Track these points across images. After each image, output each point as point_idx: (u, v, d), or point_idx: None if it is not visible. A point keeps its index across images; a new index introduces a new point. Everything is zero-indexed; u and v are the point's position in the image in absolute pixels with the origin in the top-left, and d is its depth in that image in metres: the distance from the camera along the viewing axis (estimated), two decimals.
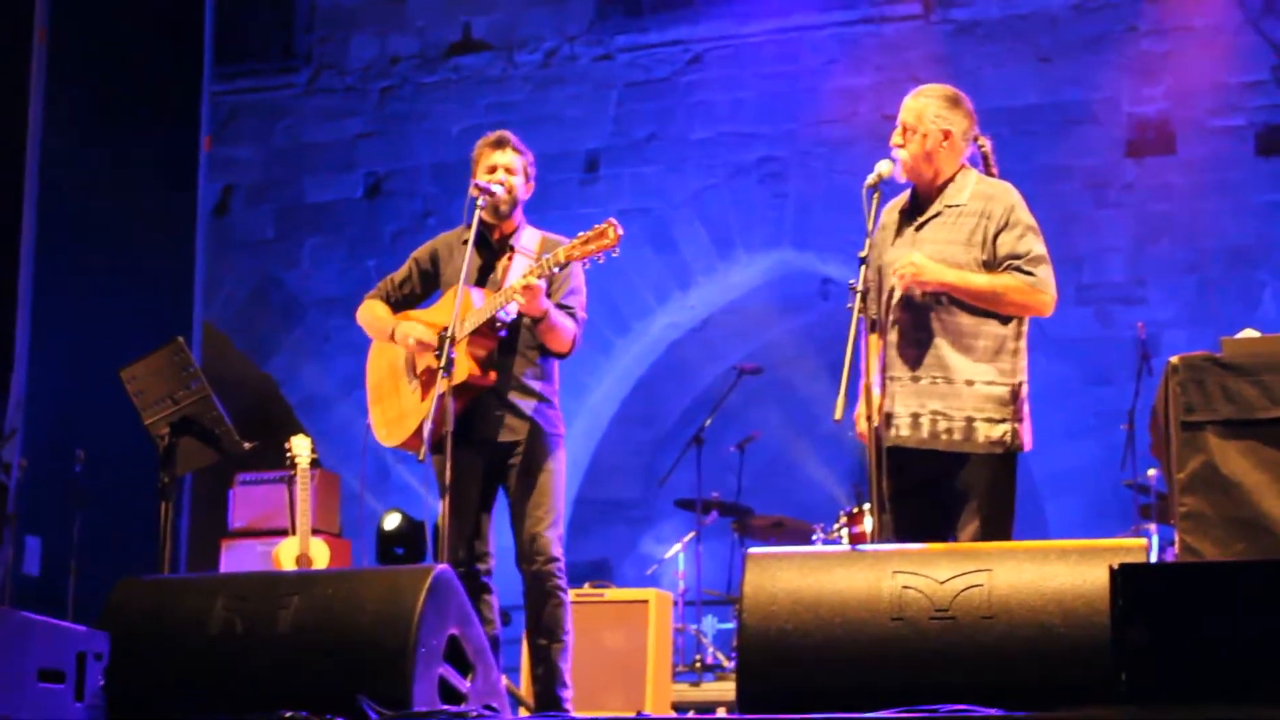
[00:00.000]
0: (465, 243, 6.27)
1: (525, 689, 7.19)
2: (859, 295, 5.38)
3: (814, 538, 10.46)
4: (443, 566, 4.95)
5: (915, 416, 5.52)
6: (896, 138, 5.69)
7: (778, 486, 14.23)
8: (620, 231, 5.91)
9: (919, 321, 5.56)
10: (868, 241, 5.52)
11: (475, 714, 4.88)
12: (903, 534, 5.53)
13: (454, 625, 4.93)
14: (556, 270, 6.04)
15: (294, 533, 9.06)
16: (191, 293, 9.48)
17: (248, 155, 15.17)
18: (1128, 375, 11.24)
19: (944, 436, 5.49)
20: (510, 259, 6.20)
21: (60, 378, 8.77)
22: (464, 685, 4.95)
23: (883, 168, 5.60)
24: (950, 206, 5.64)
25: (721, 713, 9.17)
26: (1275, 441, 5.11)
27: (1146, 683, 3.98)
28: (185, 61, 9.64)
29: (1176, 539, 5.26)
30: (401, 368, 6.31)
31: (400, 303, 6.45)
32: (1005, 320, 5.57)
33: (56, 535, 8.57)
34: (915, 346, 5.56)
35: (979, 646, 4.28)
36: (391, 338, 6.31)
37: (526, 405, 6.14)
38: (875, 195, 5.56)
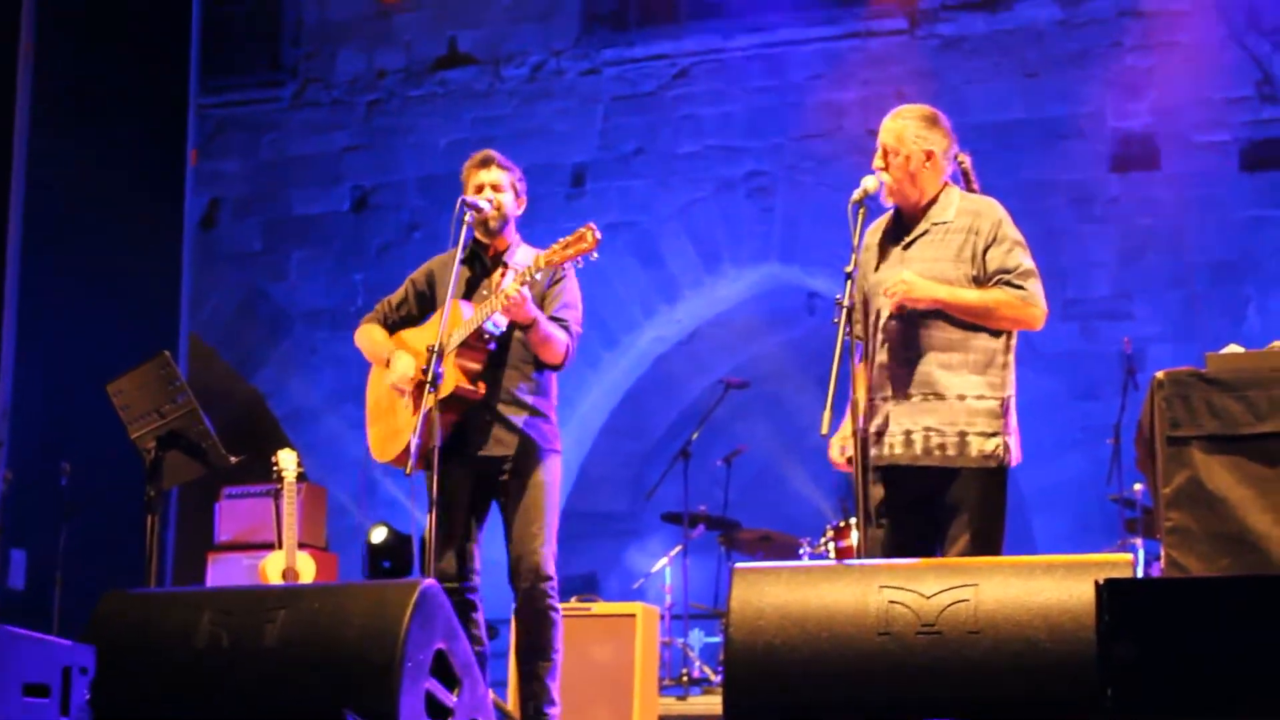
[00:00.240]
0: (460, 263, 6.28)
1: (512, 704, 7.19)
2: (845, 311, 5.38)
3: (801, 552, 10.46)
4: (429, 581, 4.94)
5: (908, 434, 5.53)
6: (878, 160, 5.69)
7: (765, 500, 14.23)
8: (598, 235, 5.90)
9: (908, 339, 5.57)
10: (854, 257, 5.53)
11: None
12: (894, 550, 5.53)
13: (441, 640, 4.93)
14: (539, 277, 6.02)
15: (280, 546, 9.04)
16: (178, 305, 9.47)
17: (234, 168, 15.17)
18: (1113, 390, 11.26)
19: (937, 452, 5.49)
20: (503, 275, 6.18)
21: (46, 390, 8.76)
22: (450, 700, 4.95)
23: (868, 183, 5.61)
24: (937, 224, 5.65)
25: None
26: (1260, 457, 5.12)
27: (1132, 698, 3.99)
28: (172, 75, 9.63)
29: (1162, 554, 5.27)
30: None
31: (397, 325, 6.44)
32: (994, 334, 5.58)
33: (42, 548, 8.56)
34: (905, 365, 5.57)
35: (965, 661, 4.28)
36: (387, 366, 6.30)
37: (518, 419, 6.11)
38: (861, 211, 5.57)
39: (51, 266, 8.86)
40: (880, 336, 5.63)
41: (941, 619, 4.34)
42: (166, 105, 9.59)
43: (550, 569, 6.02)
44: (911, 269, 5.57)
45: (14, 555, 8.66)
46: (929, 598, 4.38)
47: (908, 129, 5.69)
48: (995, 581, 4.38)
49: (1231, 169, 12.54)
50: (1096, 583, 4.13)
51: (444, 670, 4.96)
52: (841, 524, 10.04)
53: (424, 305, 6.40)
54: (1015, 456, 5.58)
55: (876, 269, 5.72)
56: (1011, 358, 5.62)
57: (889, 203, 5.71)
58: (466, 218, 6.14)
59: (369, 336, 6.46)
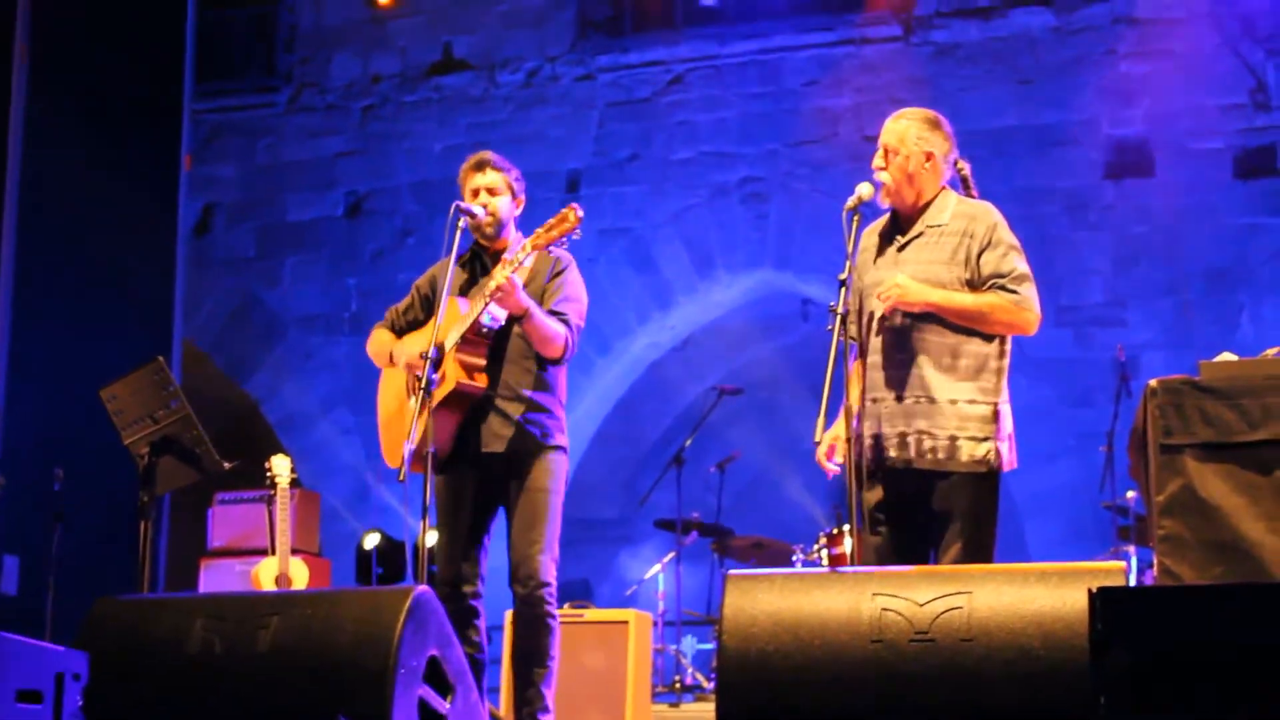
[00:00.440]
0: (460, 265, 6.27)
1: (505, 710, 7.18)
2: (839, 318, 5.38)
3: (794, 559, 10.46)
4: (423, 587, 4.94)
5: (902, 436, 5.53)
6: (878, 160, 5.69)
7: (758, 507, 14.26)
8: (580, 214, 5.88)
9: (901, 343, 5.57)
10: (848, 264, 5.53)
11: None
12: (888, 553, 5.54)
13: (434, 646, 4.93)
14: (527, 263, 5.98)
15: (273, 552, 9.04)
16: (172, 311, 9.45)
17: (229, 174, 15.19)
18: (1107, 397, 11.28)
19: (928, 455, 5.50)
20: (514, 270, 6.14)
21: (39, 396, 8.74)
22: (444, 706, 4.95)
23: (863, 190, 5.60)
24: (932, 226, 5.65)
25: None
26: (1253, 465, 5.12)
27: (1125, 706, 3.99)
28: (166, 80, 9.61)
29: (1155, 562, 5.28)
30: (405, 391, 6.28)
31: (405, 330, 6.42)
32: (988, 339, 5.57)
33: (35, 554, 8.53)
34: (898, 368, 5.57)
35: (958, 669, 4.28)
36: (391, 361, 6.29)
37: (515, 412, 6.07)
38: (855, 218, 5.57)
39: (45, 271, 8.85)
40: (874, 339, 5.64)
41: (935, 626, 4.34)
42: (161, 110, 9.57)
43: (548, 575, 5.97)
44: (905, 271, 5.57)
45: (6, 561, 8.63)
46: (922, 605, 4.38)
47: (910, 130, 5.69)
48: (988, 589, 4.37)
49: (1225, 176, 12.57)
50: (1090, 591, 4.13)
51: (437, 677, 4.95)
52: (835, 531, 10.04)
53: (430, 310, 6.38)
54: (1009, 462, 5.58)
55: (872, 270, 5.72)
56: (1005, 363, 5.62)
57: (886, 204, 5.71)
58: (460, 222, 6.13)
59: (378, 341, 6.45)
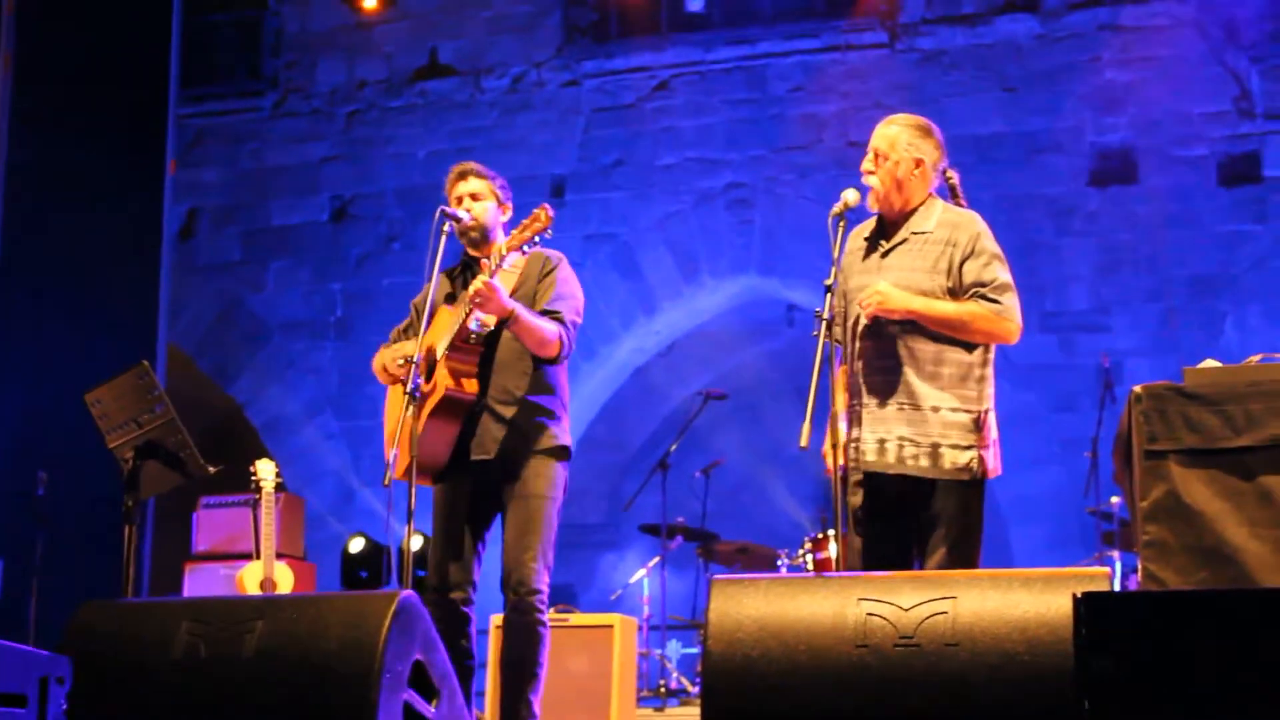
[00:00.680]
0: (450, 275, 6.26)
1: (491, 715, 7.18)
2: (825, 323, 5.39)
3: (779, 563, 10.48)
4: (408, 591, 4.93)
5: (882, 442, 5.53)
6: (867, 164, 5.69)
7: (743, 512, 14.26)
8: (551, 213, 5.87)
9: (884, 349, 5.57)
10: (834, 270, 5.54)
11: None
12: (872, 558, 5.54)
13: (419, 650, 4.92)
14: (507, 266, 5.97)
15: (258, 556, 9.02)
16: (156, 315, 9.43)
17: (214, 178, 15.17)
18: (1091, 403, 11.31)
19: (910, 462, 5.50)
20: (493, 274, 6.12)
21: (24, 400, 8.73)
22: (429, 711, 4.94)
23: (849, 196, 5.60)
24: (916, 233, 5.65)
25: None
26: (1237, 471, 5.14)
27: (1109, 711, 4.00)
28: (152, 84, 9.60)
29: (1139, 567, 5.29)
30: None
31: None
32: (971, 348, 5.58)
33: (19, 558, 8.52)
34: (881, 374, 5.57)
35: (943, 674, 4.29)
36: (386, 372, 6.25)
37: (508, 412, 6.03)
38: (841, 224, 5.58)
39: (30, 276, 8.84)
40: (858, 344, 5.64)
41: (920, 631, 4.34)
42: (146, 114, 9.56)
43: (539, 583, 5.91)
44: (887, 277, 5.58)
45: None
46: (907, 610, 4.38)
47: (901, 135, 5.70)
48: (973, 594, 4.38)
49: (1210, 184, 12.61)
50: (1074, 596, 4.14)
51: (422, 681, 4.95)
52: (819, 535, 10.06)
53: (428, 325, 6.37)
54: (994, 469, 5.58)
55: (856, 274, 5.73)
56: (989, 371, 5.62)
57: (873, 208, 5.71)
58: (445, 227, 6.11)
59: (381, 360, 6.40)
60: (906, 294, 5.52)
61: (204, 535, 10.48)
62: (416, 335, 6.20)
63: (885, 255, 5.68)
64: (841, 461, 5.54)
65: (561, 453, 6.11)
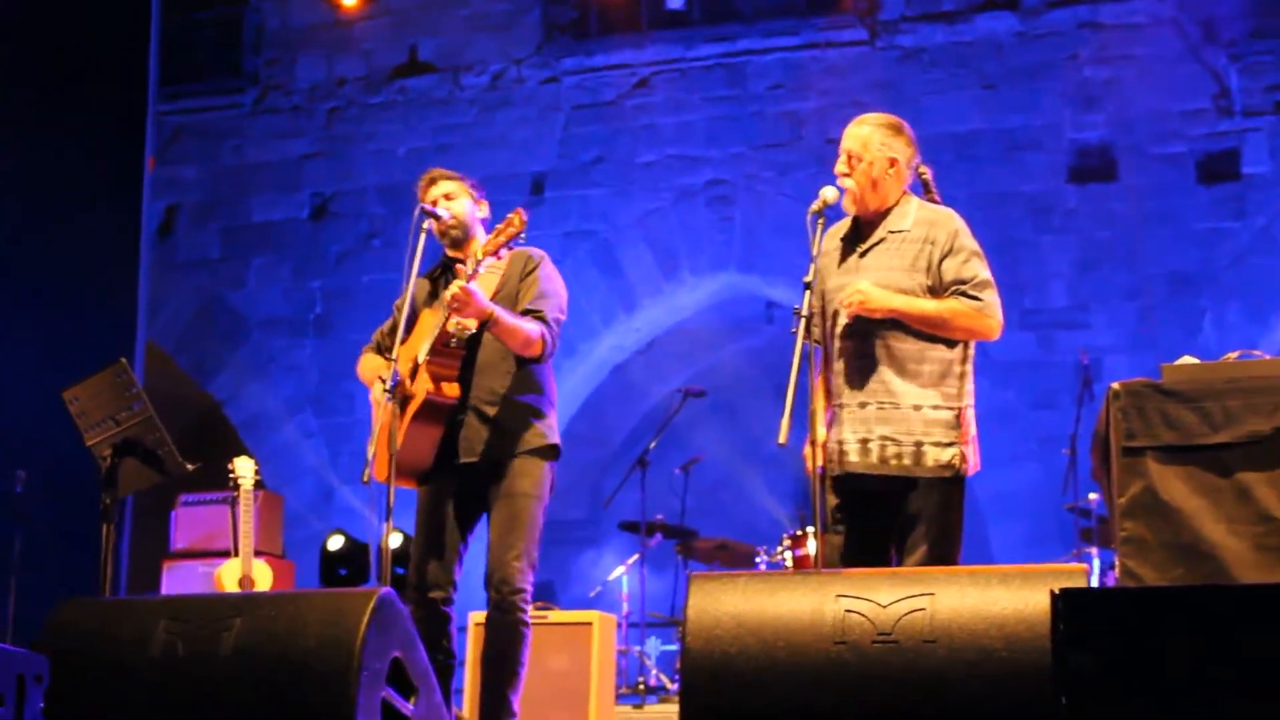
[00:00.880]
0: (431, 277, 6.25)
1: (468, 713, 7.18)
2: (803, 321, 5.39)
3: (758, 560, 10.49)
4: (386, 589, 4.93)
5: (864, 442, 5.53)
6: (841, 166, 5.68)
7: (722, 509, 14.28)
8: (525, 218, 5.86)
9: (864, 348, 5.58)
10: (812, 267, 5.53)
11: None
12: (850, 555, 5.55)
13: (397, 648, 4.92)
14: (483, 270, 5.96)
15: (237, 554, 9.02)
16: (135, 312, 9.40)
17: (193, 175, 15.14)
18: (1070, 399, 11.33)
19: (893, 461, 5.50)
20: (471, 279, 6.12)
21: (1, 397, 8.71)
22: (407, 708, 4.94)
23: (827, 194, 5.60)
24: (894, 232, 5.65)
25: None
26: (1214, 467, 5.16)
27: (1087, 707, 4.00)
28: (131, 81, 9.58)
29: (1117, 563, 5.30)
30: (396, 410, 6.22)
31: (391, 350, 6.39)
32: (950, 345, 5.58)
33: None
34: (861, 373, 5.57)
35: (921, 671, 4.29)
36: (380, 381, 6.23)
37: (493, 412, 6.01)
38: (820, 221, 5.58)
39: (7, 272, 8.81)
40: (838, 344, 5.64)
41: (898, 628, 4.35)
42: (126, 111, 9.53)
43: (523, 582, 5.90)
44: (867, 277, 5.58)
45: None
46: (885, 607, 4.39)
47: (873, 136, 5.68)
48: (951, 591, 4.39)
49: (1188, 181, 12.64)
50: (1052, 592, 4.15)
51: (400, 678, 4.95)
52: (798, 532, 10.07)
53: (410, 327, 6.35)
54: (974, 465, 5.58)
55: (834, 275, 5.73)
56: (969, 368, 5.63)
57: (850, 210, 5.71)
58: (425, 225, 6.11)
59: (366, 365, 6.39)
60: (887, 293, 5.52)
61: (182, 533, 10.46)
62: (398, 336, 6.22)
63: (863, 255, 5.67)
64: (820, 461, 5.54)
65: (549, 452, 6.11)
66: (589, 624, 7.96)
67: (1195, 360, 5.46)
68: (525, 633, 5.94)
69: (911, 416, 5.50)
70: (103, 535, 5.94)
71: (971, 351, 5.65)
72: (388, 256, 14.13)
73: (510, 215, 5.89)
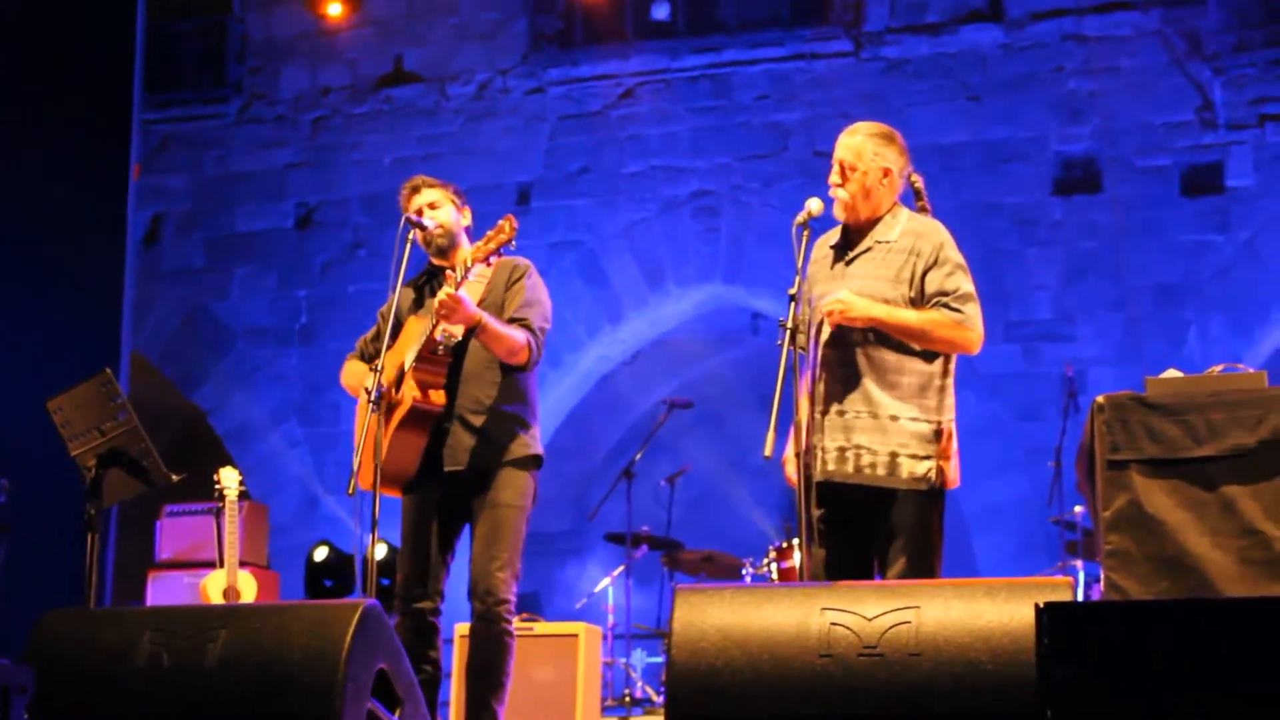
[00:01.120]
0: (415, 286, 6.25)
1: None
2: (789, 332, 5.39)
3: (743, 573, 10.48)
4: (372, 600, 4.92)
5: (841, 450, 5.53)
6: (835, 177, 5.67)
7: (708, 520, 14.27)
8: (515, 225, 5.85)
9: (845, 358, 5.57)
10: (797, 279, 5.54)
11: None
12: (833, 566, 5.54)
13: (383, 659, 4.92)
14: (472, 277, 5.95)
15: (222, 565, 8.99)
16: (119, 322, 9.40)
17: (178, 184, 15.13)
18: (1055, 412, 11.34)
19: (868, 470, 5.49)
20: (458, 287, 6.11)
21: None
22: None
23: (813, 206, 5.60)
24: (880, 242, 5.65)
25: None
26: (1199, 480, 5.16)
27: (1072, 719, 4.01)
28: (116, 90, 9.57)
29: (1102, 576, 5.30)
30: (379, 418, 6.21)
31: (375, 357, 6.37)
32: (931, 358, 5.57)
33: None
34: (842, 382, 5.57)
35: (906, 683, 4.29)
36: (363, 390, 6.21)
37: (479, 421, 6.02)
38: (805, 233, 5.58)
39: None
40: (820, 352, 5.64)
41: (883, 641, 4.35)
42: (110, 120, 9.53)
43: (506, 593, 5.89)
44: (851, 285, 5.57)
45: None
46: (871, 620, 4.39)
47: (867, 146, 5.68)
48: (937, 604, 4.39)
49: (1173, 193, 12.67)
50: (1037, 605, 4.15)
51: (386, 690, 4.94)
52: (784, 545, 10.06)
53: (395, 335, 6.34)
54: (952, 480, 5.57)
55: (821, 282, 5.72)
56: (949, 382, 5.62)
57: (841, 219, 5.70)
58: (411, 235, 6.11)
59: (350, 372, 6.37)
60: (868, 302, 5.51)
61: (167, 543, 10.44)
62: (383, 344, 6.19)
63: (850, 263, 5.67)
64: (800, 470, 5.54)
65: (532, 462, 6.11)
66: (575, 636, 7.95)
67: (1180, 373, 5.46)
68: (510, 643, 5.93)
69: (889, 427, 5.50)
70: (87, 545, 5.93)
71: (952, 366, 5.64)
72: (373, 266, 14.12)
73: (500, 222, 5.88)
